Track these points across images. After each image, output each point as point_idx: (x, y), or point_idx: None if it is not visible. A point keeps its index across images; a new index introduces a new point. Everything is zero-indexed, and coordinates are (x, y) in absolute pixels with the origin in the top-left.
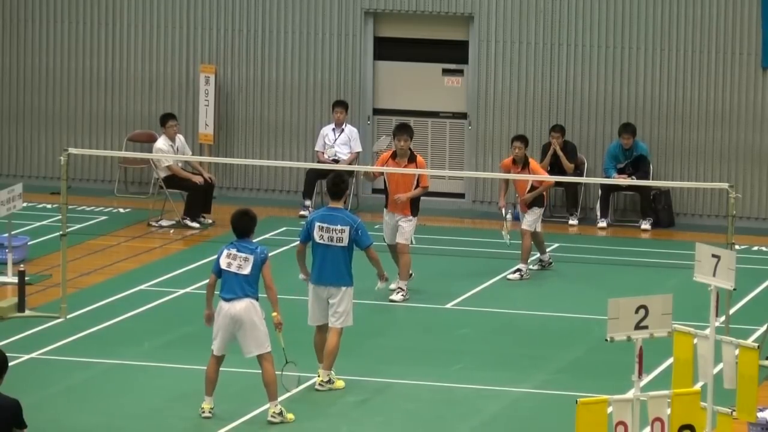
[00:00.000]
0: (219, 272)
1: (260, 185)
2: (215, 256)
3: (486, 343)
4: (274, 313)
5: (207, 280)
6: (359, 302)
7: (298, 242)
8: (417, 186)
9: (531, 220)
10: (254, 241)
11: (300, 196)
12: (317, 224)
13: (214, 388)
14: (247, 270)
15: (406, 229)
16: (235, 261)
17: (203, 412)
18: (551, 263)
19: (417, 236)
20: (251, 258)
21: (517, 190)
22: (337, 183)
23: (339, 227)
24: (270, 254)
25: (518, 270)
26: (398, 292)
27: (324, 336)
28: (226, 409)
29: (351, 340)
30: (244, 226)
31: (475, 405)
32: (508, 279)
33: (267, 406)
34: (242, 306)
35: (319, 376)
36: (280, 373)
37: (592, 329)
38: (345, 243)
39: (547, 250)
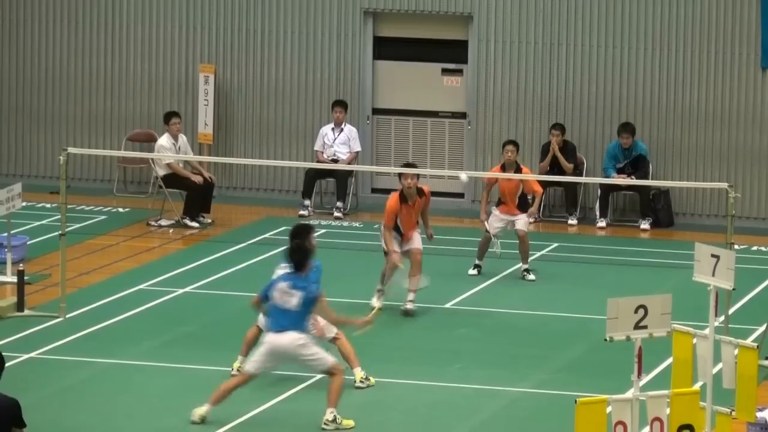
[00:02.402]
0: None
1: (259, 185)
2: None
3: (485, 342)
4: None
5: (206, 280)
6: (359, 302)
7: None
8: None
9: (526, 221)
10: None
11: (299, 195)
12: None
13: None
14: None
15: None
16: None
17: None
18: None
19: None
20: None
21: (505, 197)
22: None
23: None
24: (268, 254)
25: (529, 270)
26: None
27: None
28: (224, 410)
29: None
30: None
31: (475, 405)
32: (530, 280)
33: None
34: None
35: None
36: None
37: (591, 329)
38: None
39: (546, 249)
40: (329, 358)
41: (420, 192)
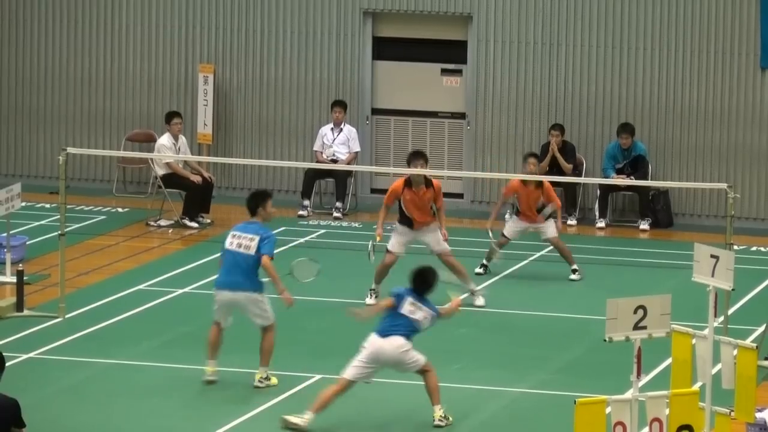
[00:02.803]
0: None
1: (259, 185)
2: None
3: (485, 343)
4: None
5: (206, 280)
6: (355, 302)
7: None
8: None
9: (554, 228)
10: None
11: (299, 195)
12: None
13: None
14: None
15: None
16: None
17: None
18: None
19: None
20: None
21: (524, 208)
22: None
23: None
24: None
25: (575, 270)
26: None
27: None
28: (224, 409)
29: (349, 340)
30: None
31: (474, 405)
32: (571, 279)
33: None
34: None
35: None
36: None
37: (591, 329)
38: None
39: (546, 250)
40: (422, 359)
41: (428, 182)
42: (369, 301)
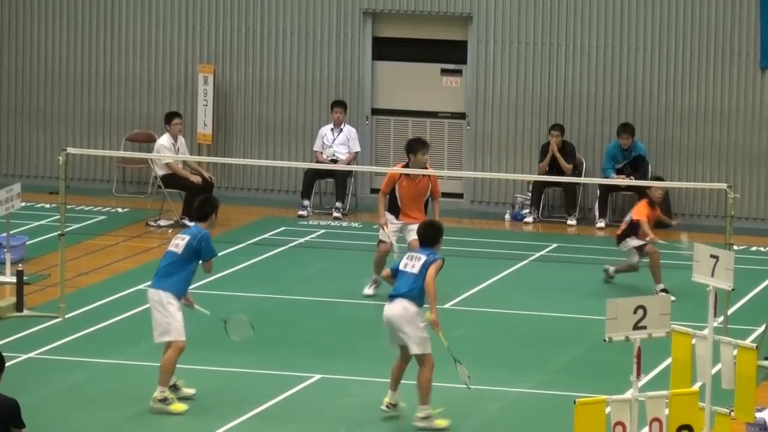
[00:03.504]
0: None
1: (259, 185)
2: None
3: (484, 343)
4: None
5: (205, 281)
6: (355, 302)
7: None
8: (430, 198)
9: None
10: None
11: (298, 196)
12: None
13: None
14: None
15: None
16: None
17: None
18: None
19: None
20: (422, 258)
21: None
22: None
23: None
24: (267, 255)
25: (663, 290)
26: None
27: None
28: (225, 409)
29: (349, 341)
30: (430, 236)
31: (474, 405)
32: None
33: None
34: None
35: None
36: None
37: (591, 329)
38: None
39: (545, 250)
40: (427, 342)
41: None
42: (367, 291)
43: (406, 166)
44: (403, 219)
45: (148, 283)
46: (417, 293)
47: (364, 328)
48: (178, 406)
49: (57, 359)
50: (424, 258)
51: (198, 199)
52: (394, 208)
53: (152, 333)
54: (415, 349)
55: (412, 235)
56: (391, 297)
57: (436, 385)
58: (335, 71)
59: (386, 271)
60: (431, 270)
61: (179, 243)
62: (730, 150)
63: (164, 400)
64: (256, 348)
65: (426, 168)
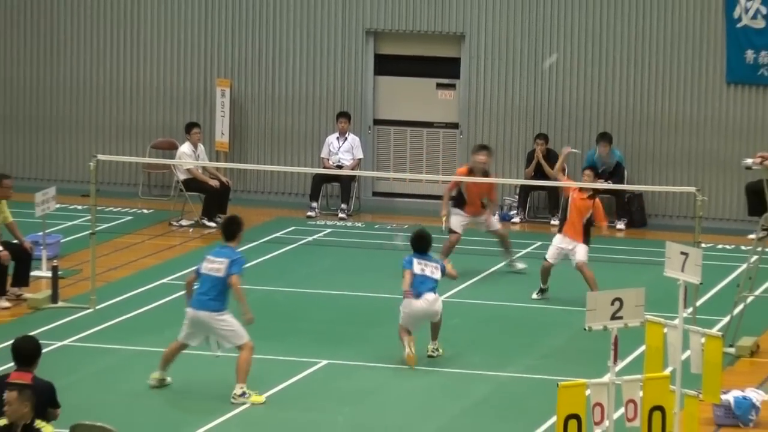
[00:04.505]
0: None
1: (271, 188)
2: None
3: (476, 331)
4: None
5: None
6: (358, 295)
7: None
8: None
9: (585, 251)
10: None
11: (307, 198)
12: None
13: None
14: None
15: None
16: (428, 268)
17: None
18: None
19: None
20: (439, 268)
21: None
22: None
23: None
24: (278, 252)
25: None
26: None
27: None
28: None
29: (353, 330)
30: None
31: (466, 388)
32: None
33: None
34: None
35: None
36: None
37: (572, 320)
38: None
39: (531, 247)
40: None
41: (486, 174)
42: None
43: (470, 168)
44: (468, 211)
45: (172, 277)
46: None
47: (366, 318)
48: (258, 398)
49: (88, 346)
50: (438, 264)
51: (224, 220)
52: (461, 203)
53: (216, 347)
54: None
55: (482, 218)
56: (419, 294)
57: (432, 370)
58: (340, 85)
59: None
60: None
61: (219, 267)
62: (699, 156)
63: (243, 395)
64: (267, 336)
65: (486, 169)
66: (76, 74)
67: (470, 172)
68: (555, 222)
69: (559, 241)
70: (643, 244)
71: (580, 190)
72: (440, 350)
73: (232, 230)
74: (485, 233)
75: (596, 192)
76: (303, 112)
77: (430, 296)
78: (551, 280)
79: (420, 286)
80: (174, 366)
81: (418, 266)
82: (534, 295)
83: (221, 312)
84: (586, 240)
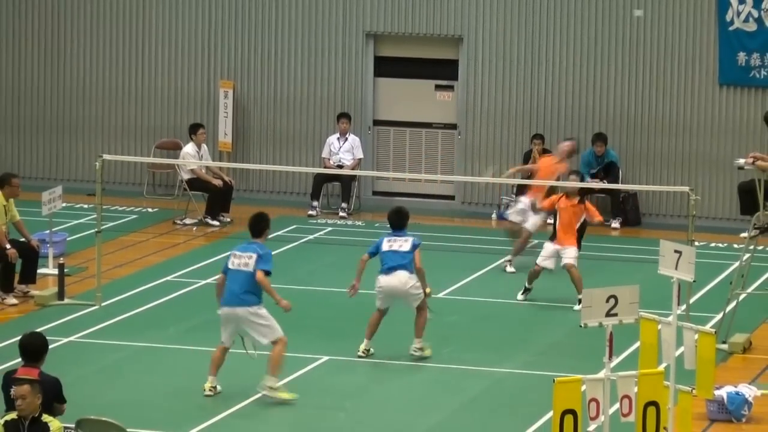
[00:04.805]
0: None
1: (273, 188)
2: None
3: (474, 328)
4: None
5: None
6: (361, 291)
7: (365, 254)
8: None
9: (574, 254)
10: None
11: (308, 197)
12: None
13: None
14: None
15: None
16: (395, 243)
17: None
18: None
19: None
20: (409, 240)
21: (562, 218)
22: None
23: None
24: (280, 249)
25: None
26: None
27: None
28: (246, 385)
29: (353, 326)
30: (399, 221)
31: (464, 383)
32: (575, 310)
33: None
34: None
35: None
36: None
37: (568, 316)
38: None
39: (529, 246)
40: (421, 294)
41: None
42: (509, 269)
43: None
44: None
45: (176, 274)
46: (410, 266)
47: (366, 315)
48: (288, 395)
49: (94, 342)
50: (411, 239)
51: (252, 217)
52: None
53: (251, 347)
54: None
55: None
56: (389, 269)
57: (431, 366)
58: (341, 86)
59: (365, 256)
60: (419, 256)
61: (248, 262)
62: (692, 157)
63: (276, 389)
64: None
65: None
66: (83, 76)
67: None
68: (551, 221)
69: (551, 247)
70: (637, 243)
71: (567, 197)
72: (425, 350)
73: (260, 227)
74: (480, 234)
75: (583, 196)
76: (304, 113)
77: (401, 274)
78: (550, 280)
79: (389, 260)
80: (180, 361)
81: (387, 244)
82: (519, 296)
83: (258, 306)
84: (579, 244)
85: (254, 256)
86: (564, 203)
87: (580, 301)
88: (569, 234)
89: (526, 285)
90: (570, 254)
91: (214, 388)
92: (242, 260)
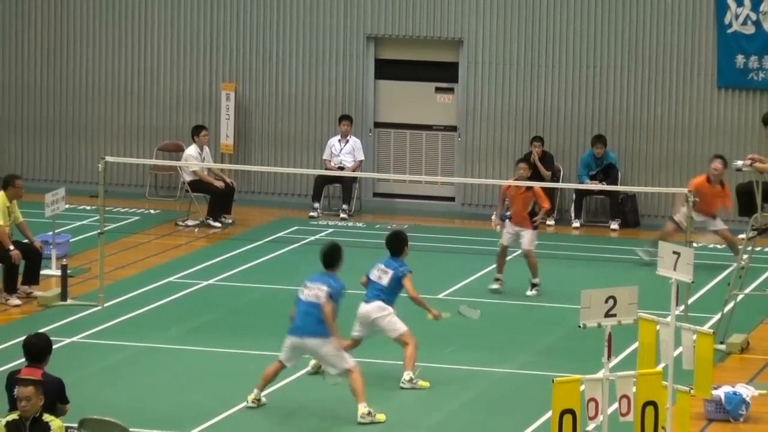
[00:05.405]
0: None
1: (274, 189)
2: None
3: (474, 329)
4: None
5: (228, 273)
6: (358, 293)
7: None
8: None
9: (531, 239)
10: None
11: (309, 199)
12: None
13: None
14: (384, 281)
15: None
16: (377, 272)
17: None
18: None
19: (413, 234)
20: (389, 273)
21: (515, 206)
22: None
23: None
24: (282, 251)
25: (535, 286)
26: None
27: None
28: (246, 386)
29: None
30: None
31: (465, 383)
32: (528, 295)
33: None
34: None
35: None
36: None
37: (567, 317)
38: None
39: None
40: (402, 328)
41: (722, 183)
42: (493, 286)
43: (708, 177)
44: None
45: (178, 275)
46: (387, 299)
47: None
48: (380, 416)
49: (96, 343)
50: (391, 272)
51: (325, 249)
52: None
53: (329, 377)
54: (393, 335)
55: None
56: (368, 299)
57: (432, 366)
58: (342, 89)
59: (362, 279)
60: (409, 285)
61: (319, 294)
62: (691, 158)
63: (369, 414)
64: (270, 333)
65: (721, 178)
66: (85, 78)
67: (707, 181)
68: (551, 222)
69: (509, 228)
70: (636, 244)
71: (517, 186)
72: (416, 381)
73: (333, 260)
74: (480, 235)
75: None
76: (305, 115)
77: (374, 304)
78: (550, 280)
79: (369, 290)
80: (182, 362)
81: (374, 272)
82: (492, 285)
83: (329, 338)
84: (534, 226)
85: (325, 289)
86: (514, 191)
87: (533, 286)
88: (522, 217)
89: (497, 275)
90: (527, 239)
91: (258, 400)
92: (312, 291)
